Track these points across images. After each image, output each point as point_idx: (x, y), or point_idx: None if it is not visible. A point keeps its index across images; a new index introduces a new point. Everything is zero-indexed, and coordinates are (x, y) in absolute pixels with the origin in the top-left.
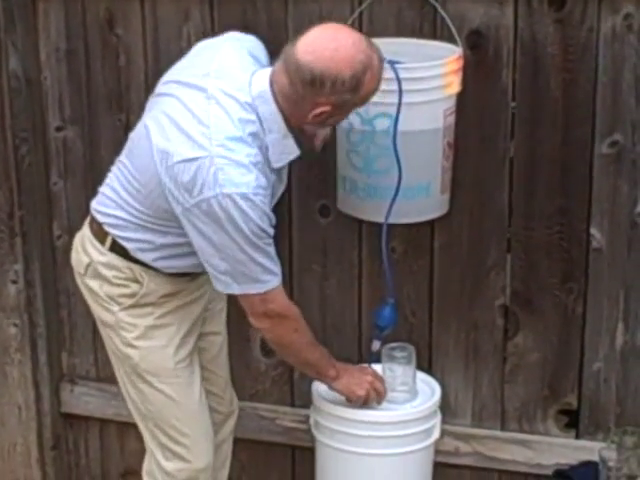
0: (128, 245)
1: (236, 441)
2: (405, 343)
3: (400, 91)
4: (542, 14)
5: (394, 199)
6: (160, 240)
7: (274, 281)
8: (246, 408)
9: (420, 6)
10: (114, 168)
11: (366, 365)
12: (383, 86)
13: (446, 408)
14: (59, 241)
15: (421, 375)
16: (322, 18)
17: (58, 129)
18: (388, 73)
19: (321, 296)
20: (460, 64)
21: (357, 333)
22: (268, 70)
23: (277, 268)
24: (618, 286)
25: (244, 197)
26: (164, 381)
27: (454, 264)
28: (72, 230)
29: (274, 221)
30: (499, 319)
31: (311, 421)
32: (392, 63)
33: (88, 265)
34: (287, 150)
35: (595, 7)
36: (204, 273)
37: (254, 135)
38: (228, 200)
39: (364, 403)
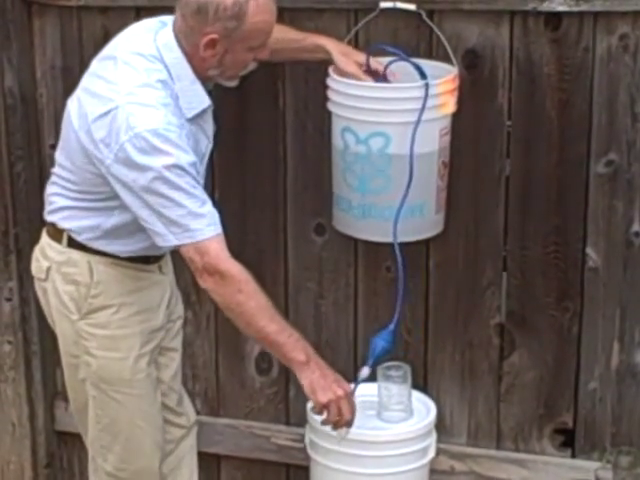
0: (80, 237)
1: (231, 459)
2: (400, 362)
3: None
4: (538, 34)
5: (397, 217)
6: (108, 222)
7: (207, 230)
8: (240, 426)
9: (416, 25)
10: (53, 170)
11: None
12: (376, 105)
13: (441, 427)
14: None
15: (416, 394)
16: None
17: (53, 146)
18: (383, 92)
19: (316, 314)
20: (456, 84)
21: (353, 352)
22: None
23: (210, 216)
24: (614, 305)
25: (155, 133)
26: (119, 390)
27: (449, 283)
28: None
29: (199, 167)
30: (495, 338)
31: (306, 440)
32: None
33: (49, 268)
34: (197, 97)
35: (591, 27)
36: (160, 258)
37: (162, 82)
38: (141, 140)
39: (324, 417)
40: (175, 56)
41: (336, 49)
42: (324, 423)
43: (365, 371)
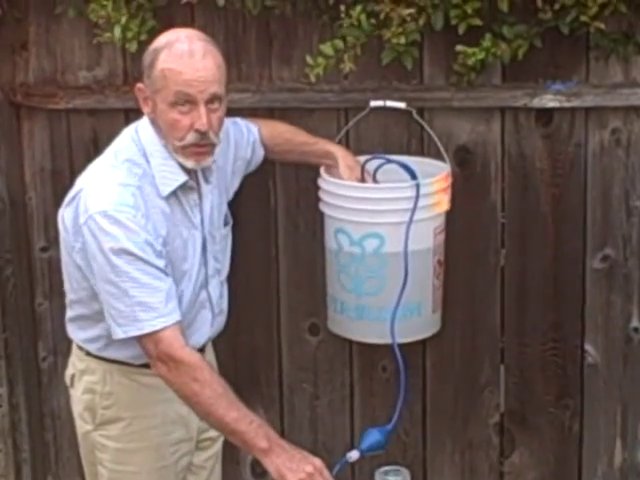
0: (91, 348)
1: None
2: (399, 466)
3: None
4: (530, 129)
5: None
6: (107, 329)
7: (156, 322)
8: None
9: (406, 123)
10: None
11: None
12: (370, 206)
13: None
14: (44, 362)
15: None
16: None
17: (43, 249)
18: (376, 193)
19: (312, 416)
20: (449, 182)
21: None
22: None
23: (162, 306)
24: (615, 402)
25: (105, 215)
26: None
27: (447, 382)
28: (57, 351)
29: (157, 247)
30: (494, 437)
31: None
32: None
33: (73, 376)
34: (172, 174)
35: (582, 122)
36: None
37: (130, 161)
38: (92, 222)
39: None
40: (149, 135)
41: (344, 161)
42: None
43: (354, 454)
